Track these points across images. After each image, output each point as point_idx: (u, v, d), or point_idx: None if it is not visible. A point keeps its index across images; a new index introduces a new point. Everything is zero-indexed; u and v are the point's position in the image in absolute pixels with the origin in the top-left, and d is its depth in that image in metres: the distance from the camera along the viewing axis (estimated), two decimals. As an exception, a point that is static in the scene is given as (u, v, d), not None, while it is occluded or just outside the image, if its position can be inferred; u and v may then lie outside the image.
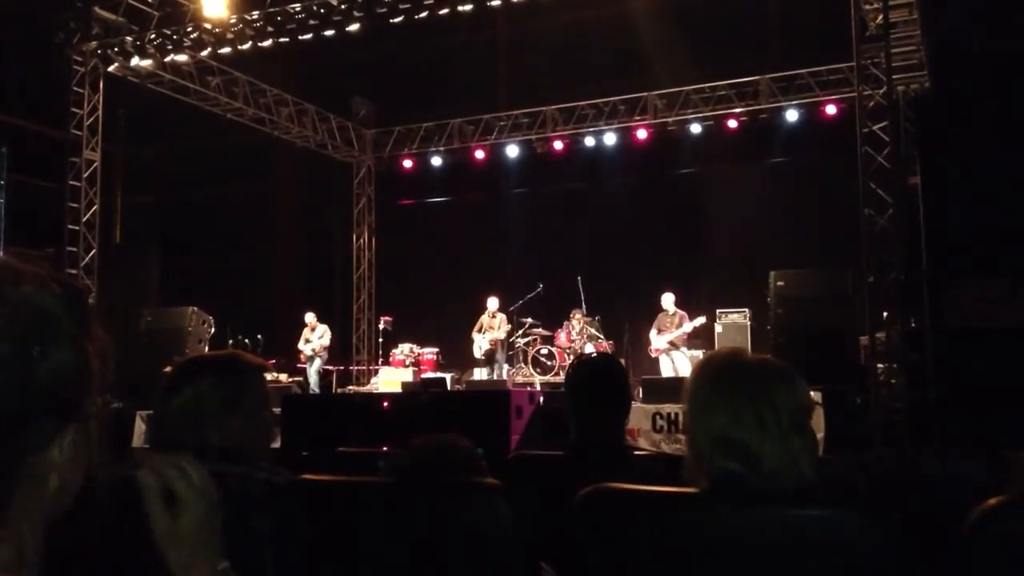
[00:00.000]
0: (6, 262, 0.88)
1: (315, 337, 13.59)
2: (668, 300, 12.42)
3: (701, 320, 12.22)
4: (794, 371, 1.75)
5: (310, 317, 13.75)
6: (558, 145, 15.20)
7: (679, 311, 12.38)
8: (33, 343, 0.84)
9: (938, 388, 9.62)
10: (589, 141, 15.00)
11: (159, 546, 1.10)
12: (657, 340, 12.37)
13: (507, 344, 13.29)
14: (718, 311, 12.75)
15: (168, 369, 2.29)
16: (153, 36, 12.30)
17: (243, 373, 2.27)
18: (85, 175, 12.74)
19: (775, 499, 1.63)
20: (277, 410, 10.28)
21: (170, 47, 12.48)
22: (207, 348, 12.52)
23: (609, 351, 12.54)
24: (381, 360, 14.69)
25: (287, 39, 12.10)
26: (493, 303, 13.16)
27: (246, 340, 13.88)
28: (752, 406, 1.67)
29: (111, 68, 12.91)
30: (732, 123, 13.99)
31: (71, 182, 12.69)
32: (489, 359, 13.09)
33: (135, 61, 12.70)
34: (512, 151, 15.58)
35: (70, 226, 12.62)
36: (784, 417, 1.66)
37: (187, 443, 2.14)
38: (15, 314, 0.83)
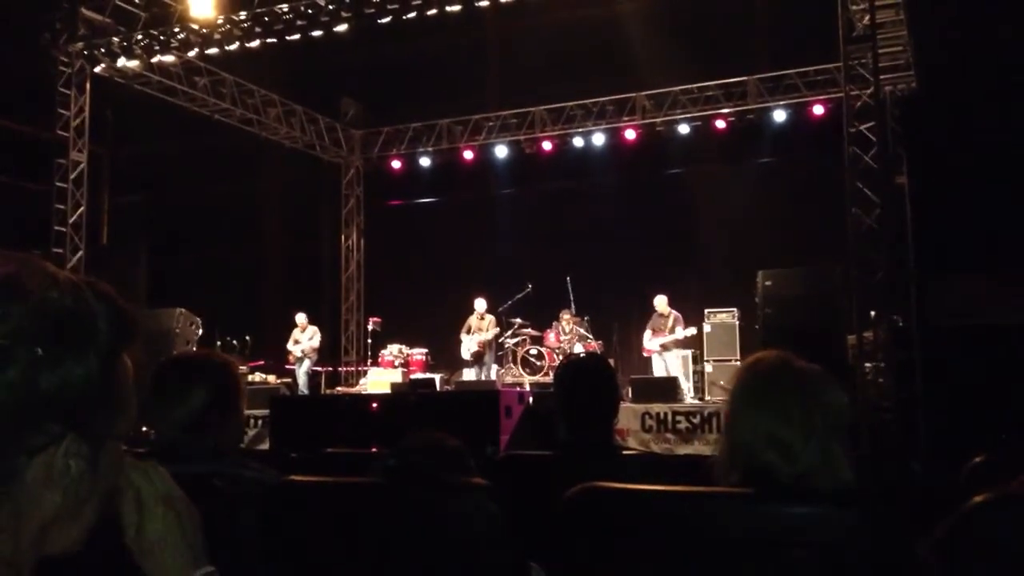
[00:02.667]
0: (44, 266, 0.88)
1: (305, 338, 13.55)
2: (660, 302, 12.45)
3: (692, 331, 12.27)
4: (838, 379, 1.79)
5: (301, 318, 13.70)
6: (547, 145, 15.22)
7: (673, 311, 12.39)
8: (42, 345, 0.83)
9: (925, 386, 9.67)
10: (578, 141, 15.02)
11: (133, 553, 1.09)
12: (650, 342, 12.40)
13: (495, 345, 13.28)
14: (707, 311, 12.79)
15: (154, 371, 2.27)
16: (140, 37, 12.25)
17: (232, 375, 2.29)
18: (72, 176, 12.68)
19: (768, 496, 1.64)
20: (265, 412, 10.30)
21: (157, 48, 12.43)
22: (195, 349, 12.47)
23: (598, 351, 12.56)
24: (370, 361, 14.66)
25: (275, 40, 12.07)
26: (481, 304, 13.15)
27: (234, 341, 13.84)
28: (802, 408, 1.71)
29: (98, 69, 12.85)
30: (720, 123, 14.03)
31: (57, 183, 12.63)
32: (477, 360, 13.08)
33: (122, 62, 12.65)
34: (501, 151, 15.59)
35: (56, 228, 12.56)
36: (830, 421, 1.70)
37: (180, 446, 2.14)
38: (33, 313, 0.83)
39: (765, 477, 1.69)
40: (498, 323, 13.24)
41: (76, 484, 0.86)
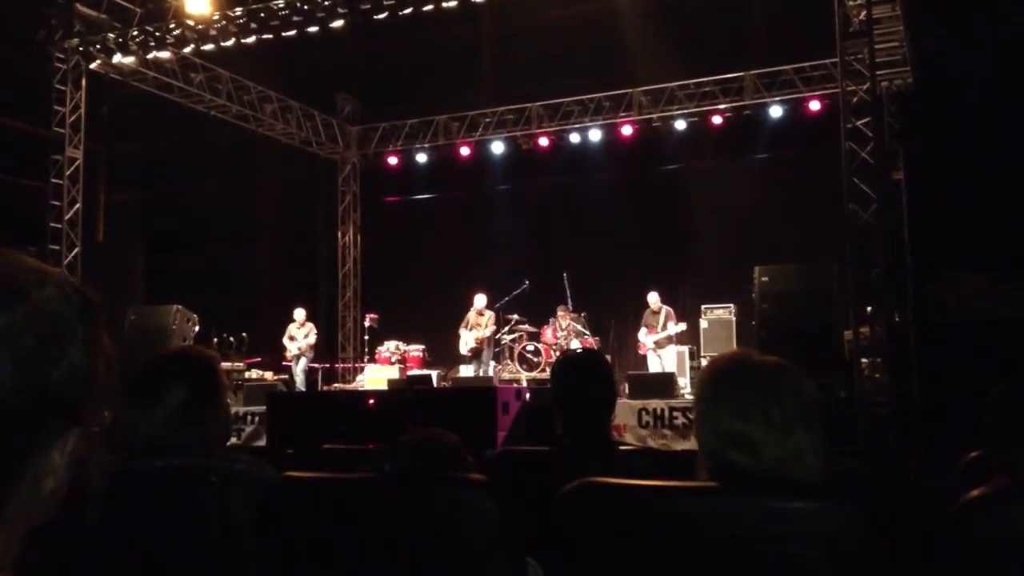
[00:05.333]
0: (33, 264, 0.88)
1: (301, 335, 13.52)
2: (653, 298, 12.53)
3: (682, 326, 12.32)
4: (802, 369, 1.78)
5: (300, 313, 13.64)
6: (543, 142, 15.21)
7: (664, 307, 12.46)
8: (51, 344, 0.84)
9: (921, 382, 9.68)
10: (574, 137, 15.02)
11: None
12: (644, 339, 12.45)
13: (493, 341, 13.27)
14: (703, 307, 12.81)
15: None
16: (136, 33, 12.22)
17: (211, 369, 2.29)
18: (68, 173, 12.65)
19: (757, 490, 1.64)
20: (262, 408, 10.29)
21: (153, 44, 12.41)
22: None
23: (595, 347, 12.57)
24: (367, 357, 14.66)
25: (270, 36, 12.04)
26: (480, 300, 13.12)
27: (230, 338, 13.82)
28: (757, 401, 1.70)
29: (93, 65, 12.82)
30: (717, 119, 14.03)
31: (54, 180, 12.60)
32: (475, 355, 13.06)
33: (118, 58, 12.62)
34: (497, 148, 15.58)
35: (53, 224, 12.54)
36: (789, 411, 1.69)
37: (168, 443, 2.14)
38: (37, 314, 0.84)
39: (731, 475, 1.68)
40: (495, 319, 13.22)
41: (64, 471, 0.88)
